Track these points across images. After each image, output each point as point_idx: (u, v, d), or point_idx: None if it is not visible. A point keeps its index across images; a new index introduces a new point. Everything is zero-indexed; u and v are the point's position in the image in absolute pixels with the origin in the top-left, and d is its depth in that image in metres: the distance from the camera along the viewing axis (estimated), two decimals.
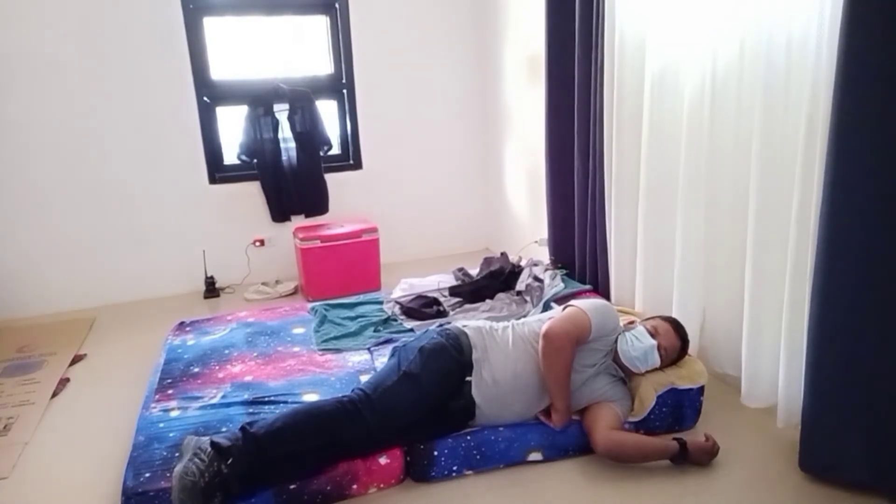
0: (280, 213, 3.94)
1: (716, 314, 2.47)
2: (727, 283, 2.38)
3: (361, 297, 3.25)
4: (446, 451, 1.96)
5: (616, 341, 2.13)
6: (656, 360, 2.09)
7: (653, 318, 2.25)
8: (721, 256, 2.39)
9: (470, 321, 2.26)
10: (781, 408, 2.06)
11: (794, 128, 1.91)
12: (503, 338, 2.12)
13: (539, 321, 2.16)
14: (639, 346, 2.08)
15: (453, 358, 2.03)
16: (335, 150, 4.08)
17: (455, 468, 1.98)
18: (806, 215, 1.86)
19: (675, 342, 2.13)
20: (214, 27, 3.70)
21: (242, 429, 1.82)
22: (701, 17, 2.26)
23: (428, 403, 1.96)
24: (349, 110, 4.07)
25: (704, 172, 2.33)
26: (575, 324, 2.03)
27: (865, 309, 1.70)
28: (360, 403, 1.89)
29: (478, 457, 1.99)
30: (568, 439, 2.06)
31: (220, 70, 3.76)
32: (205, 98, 3.72)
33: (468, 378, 2.02)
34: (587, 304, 2.13)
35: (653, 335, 2.10)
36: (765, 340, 2.15)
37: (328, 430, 1.83)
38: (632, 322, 2.21)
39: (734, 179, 2.27)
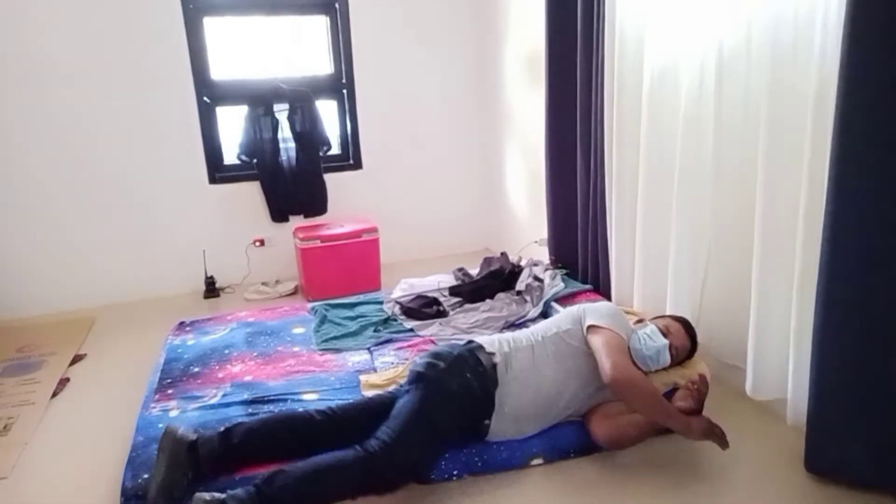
0: (279, 212, 3.94)
1: (721, 306, 2.46)
2: (733, 274, 2.38)
3: (361, 297, 3.25)
4: (447, 455, 1.95)
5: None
6: (667, 360, 2.08)
7: (663, 317, 2.25)
8: (727, 248, 2.39)
9: (493, 342, 2.10)
10: (790, 405, 2.05)
11: (801, 124, 1.89)
12: (524, 364, 2.03)
13: (559, 337, 2.08)
14: (652, 345, 2.07)
15: (480, 404, 1.97)
16: (335, 150, 4.08)
17: (455, 472, 1.96)
18: (817, 207, 1.84)
19: (685, 342, 2.13)
20: (214, 27, 3.70)
21: (257, 488, 1.68)
22: (702, 6, 2.25)
23: (444, 445, 1.95)
24: (349, 110, 4.07)
25: (710, 165, 2.33)
26: (620, 349, 1.97)
27: (870, 308, 1.70)
28: (383, 461, 1.76)
29: (479, 464, 1.98)
30: (569, 441, 2.05)
31: (220, 70, 3.76)
32: (205, 98, 3.72)
33: (487, 422, 1.98)
34: (606, 321, 2.04)
35: (665, 334, 2.10)
36: (772, 333, 2.13)
37: (350, 488, 1.76)
38: (641, 321, 2.20)
39: (741, 172, 2.26)
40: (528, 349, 2.08)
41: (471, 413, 1.97)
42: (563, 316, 2.22)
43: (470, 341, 2.11)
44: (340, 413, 1.97)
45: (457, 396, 1.93)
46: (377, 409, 1.97)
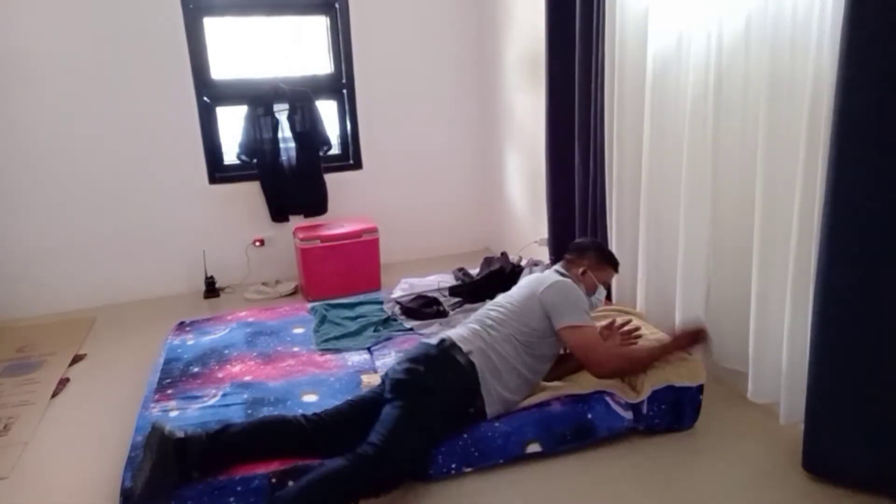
0: (279, 212, 3.94)
1: (722, 310, 2.46)
2: (733, 278, 2.37)
3: (361, 297, 3.25)
4: (443, 449, 1.96)
5: None
6: (604, 295, 2.37)
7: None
8: (727, 249, 2.39)
9: (466, 337, 2.11)
10: (784, 405, 2.05)
11: (798, 124, 1.89)
12: (504, 354, 2.10)
13: (530, 337, 2.12)
14: (596, 298, 2.33)
15: (465, 399, 2.04)
16: (335, 150, 4.08)
17: (454, 466, 1.97)
18: (809, 212, 1.86)
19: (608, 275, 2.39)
20: (214, 27, 3.71)
21: None
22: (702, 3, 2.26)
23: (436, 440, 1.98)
24: (349, 110, 4.07)
25: (709, 169, 2.32)
26: (597, 339, 2.13)
27: (868, 308, 1.69)
28: (378, 464, 1.77)
29: (476, 454, 1.98)
30: (564, 425, 2.05)
31: (220, 70, 3.76)
32: (205, 98, 3.73)
33: (472, 410, 2.04)
34: (574, 317, 2.09)
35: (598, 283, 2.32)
36: (769, 336, 2.14)
37: (348, 494, 1.76)
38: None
39: (740, 175, 2.26)
40: (506, 341, 2.11)
41: (458, 407, 2.02)
42: (525, 307, 2.16)
43: (442, 340, 2.10)
44: (328, 418, 1.98)
45: (440, 396, 1.97)
46: (364, 410, 1.98)
